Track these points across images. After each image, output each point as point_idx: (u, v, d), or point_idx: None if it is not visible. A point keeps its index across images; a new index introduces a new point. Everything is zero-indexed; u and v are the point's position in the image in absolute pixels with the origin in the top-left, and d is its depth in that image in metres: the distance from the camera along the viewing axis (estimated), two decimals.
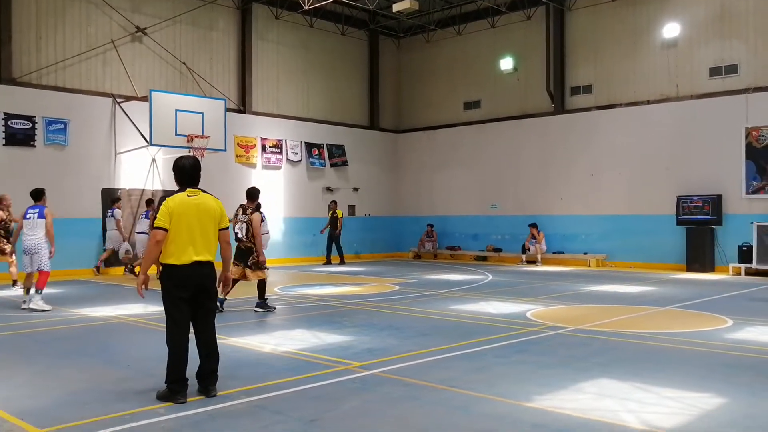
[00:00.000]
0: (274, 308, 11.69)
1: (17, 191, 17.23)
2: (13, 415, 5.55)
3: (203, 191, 6.34)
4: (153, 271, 16.17)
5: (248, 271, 11.33)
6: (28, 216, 11.85)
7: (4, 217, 14.03)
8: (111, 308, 11.83)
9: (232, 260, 6.65)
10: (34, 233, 11.72)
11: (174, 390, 5.96)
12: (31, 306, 11.56)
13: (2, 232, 14.00)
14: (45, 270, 11.68)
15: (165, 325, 6.20)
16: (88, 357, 7.87)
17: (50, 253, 11.79)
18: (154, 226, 6.13)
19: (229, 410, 5.68)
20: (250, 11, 22.69)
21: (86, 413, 5.58)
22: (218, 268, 6.32)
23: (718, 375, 6.88)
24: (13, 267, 14.60)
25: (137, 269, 16.54)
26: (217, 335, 6.39)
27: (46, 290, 11.89)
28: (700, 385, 6.46)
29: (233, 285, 10.73)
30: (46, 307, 11.57)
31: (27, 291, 11.87)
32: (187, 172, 6.34)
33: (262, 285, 11.56)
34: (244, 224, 11.40)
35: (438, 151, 26.00)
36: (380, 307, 12.00)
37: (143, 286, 6.21)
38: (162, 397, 5.99)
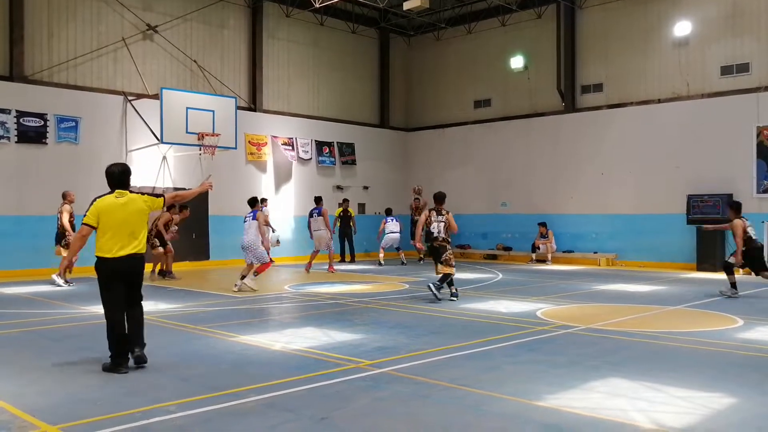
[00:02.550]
0: (440, 297, 12.36)
1: (29, 189, 17.42)
2: (25, 411, 5.58)
3: (132, 192, 7.23)
4: (149, 268, 16.33)
5: (439, 266, 12.61)
6: (245, 219, 14.44)
7: (71, 211, 15.01)
8: None
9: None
10: (247, 234, 14.13)
11: (117, 362, 6.90)
12: (246, 282, 13.90)
13: (63, 229, 14.82)
14: (263, 262, 14.16)
15: (103, 309, 7.16)
16: (99, 354, 7.88)
17: (263, 247, 14.28)
18: (82, 222, 7.03)
19: (239, 408, 5.69)
20: (260, 9, 22.74)
21: (98, 410, 5.61)
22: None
23: (728, 375, 6.85)
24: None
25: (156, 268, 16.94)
26: (143, 317, 7.33)
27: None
28: (711, 384, 6.43)
29: (445, 279, 12.49)
30: (255, 286, 13.99)
31: (242, 277, 14.10)
32: (115, 177, 7.21)
33: (446, 277, 12.54)
34: (441, 224, 12.73)
35: (448, 150, 25.98)
36: (390, 305, 12.01)
37: (66, 271, 7.39)
38: (107, 368, 6.90)
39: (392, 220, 21.98)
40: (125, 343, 7.02)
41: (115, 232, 6.95)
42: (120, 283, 7.02)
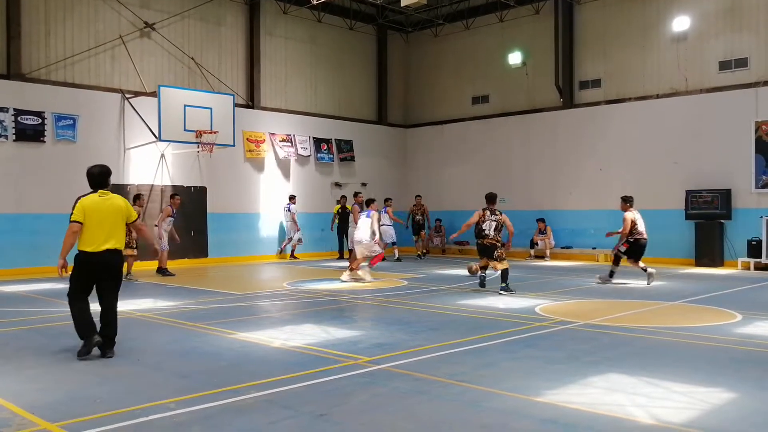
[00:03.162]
0: (514, 290, 12.98)
1: (27, 187, 17.41)
2: (25, 409, 5.59)
3: (112, 192, 7.78)
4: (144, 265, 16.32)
5: (494, 263, 13.31)
6: (360, 216, 15.97)
7: (140, 212, 15.35)
8: (120, 303, 11.79)
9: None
10: (361, 230, 15.54)
11: (88, 338, 7.43)
12: (360, 273, 15.16)
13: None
14: (376, 253, 15.61)
15: (68, 295, 7.67)
16: (97, 352, 7.90)
17: (376, 242, 15.52)
18: (71, 220, 7.48)
19: (239, 404, 5.70)
20: (258, 6, 22.70)
21: (97, 407, 5.61)
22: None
23: (727, 370, 6.86)
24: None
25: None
26: (117, 308, 7.80)
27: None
28: (710, 379, 6.44)
29: (484, 270, 13.62)
30: (369, 278, 15.11)
31: (351, 269, 15.42)
32: (95, 178, 7.75)
33: (505, 273, 13.18)
34: (494, 223, 13.34)
35: (446, 146, 25.98)
36: (389, 302, 12.01)
37: (63, 270, 7.58)
38: (81, 353, 7.40)
39: (384, 212, 21.42)
40: (93, 327, 7.53)
41: (96, 229, 7.51)
42: (94, 275, 7.58)
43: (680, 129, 19.99)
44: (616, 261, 14.99)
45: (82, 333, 7.49)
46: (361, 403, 5.77)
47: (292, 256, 22.49)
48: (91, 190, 7.73)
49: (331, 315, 10.57)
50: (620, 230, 14.92)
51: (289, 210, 22.40)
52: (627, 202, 14.98)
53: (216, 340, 8.59)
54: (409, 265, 19.82)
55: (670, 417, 5.31)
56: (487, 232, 13.30)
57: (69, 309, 7.64)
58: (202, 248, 20.97)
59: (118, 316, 7.81)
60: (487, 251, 13.38)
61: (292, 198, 22.55)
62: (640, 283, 14.58)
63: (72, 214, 7.51)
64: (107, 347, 7.55)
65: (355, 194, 18.36)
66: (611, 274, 14.80)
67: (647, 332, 8.91)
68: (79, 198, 7.73)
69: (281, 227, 22.94)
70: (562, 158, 22.64)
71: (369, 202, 16.21)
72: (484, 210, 13.45)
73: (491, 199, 13.68)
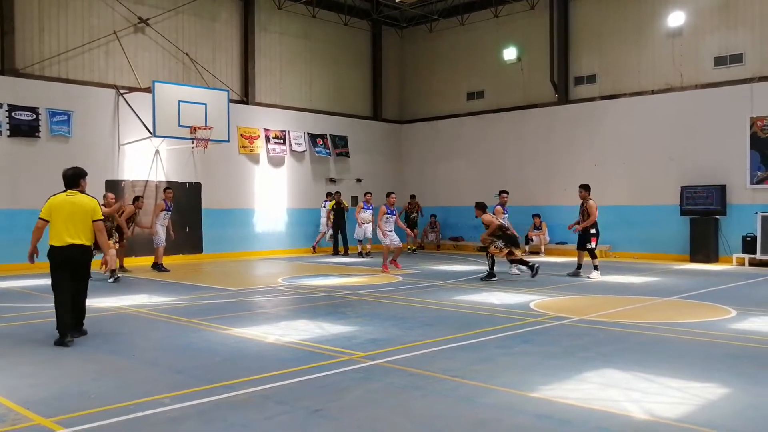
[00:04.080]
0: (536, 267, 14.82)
1: (22, 182, 17.36)
2: (19, 404, 5.58)
3: (82, 192, 8.51)
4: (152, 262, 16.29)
5: (514, 249, 14.98)
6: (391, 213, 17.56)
7: (135, 212, 16.66)
8: (115, 299, 11.87)
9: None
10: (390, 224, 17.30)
11: (62, 335, 7.99)
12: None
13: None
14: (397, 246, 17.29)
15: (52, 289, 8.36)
16: (92, 347, 7.89)
17: (383, 235, 16.99)
18: (39, 217, 8.32)
19: (233, 400, 5.70)
20: (252, 2, 22.64)
21: (91, 403, 5.60)
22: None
23: (722, 365, 6.88)
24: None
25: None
26: (87, 298, 8.63)
27: None
28: (704, 375, 6.46)
29: (511, 259, 15.22)
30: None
31: (393, 260, 17.34)
32: (68, 178, 8.54)
33: (521, 259, 15.26)
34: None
35: (441, 142, 25.98)
36: (384, 297, 12.02)
37: (35, 256, 8.41)
38: (57, 342, 7.97)
39: (367, 208, 21.67)
40: (68, 326, 8.12)
41: (61, 225, 8.18)
42: (66, 269, 8.23)
43: (675, 125, 20.00)
44: (592, 254, 15.54)
45: (59, 329, 8.10)
46: (355, 399, 5.77)
47: (314, 249, 23.23)
48: (63, 190, 8.45)
49: (326, 311, 10.56)
50: (587, 220, 15.41)
51: (324, 207, 23.06)
52: (587, 190, 15.88)
53: (211, 335, 8.58)
54: (403, 261, 19.81)
55: (665, 412, 5.32)
56: (507, 225, 15.80)
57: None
58: (196, 244, 20.93)
59: (90, 308, 8.66)
60: (509, 240, 14.96)
61: (328, 195, 23.27)
62: (632, 280, 14.62)
63: (41, 211, 8.34)
64: (75, 331, 8.26)
65: (388, 194, 18.17)
66: (580, 266, 15.65)
67: (642, 328, 8.92)
68: (49, 197, 8.48)
69: (286, 223, 22.97)
70: (557, 154, 22.65)
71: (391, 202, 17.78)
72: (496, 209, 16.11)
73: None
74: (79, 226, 8.24)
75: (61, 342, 7.96)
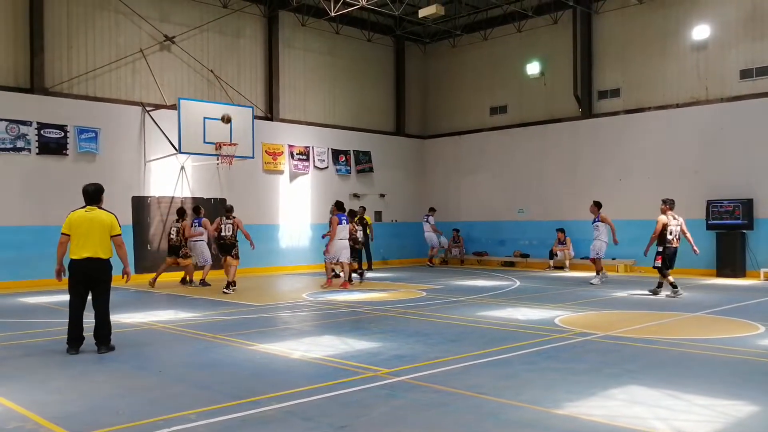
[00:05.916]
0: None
1: (51, 199, 17.59)
2: (49, 420, 5.65)
3: (100, 208, 8.75)
4: (163, 276, 16.38)
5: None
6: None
7: (186, 224, 17.20)
8: (142, 315, 11.99)
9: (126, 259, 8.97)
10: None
11: (70, 345, 8.51)
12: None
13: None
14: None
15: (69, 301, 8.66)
16: (120, 363, 7.98)
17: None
18: (61, 232, 8.59)
19: (259, 416, 5.73)
20: (276, 19, 22.87)
21: (119, 419, 5.67)
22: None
23: (750, 382, 6.80)
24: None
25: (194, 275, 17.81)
26: (109, 310, 8.79)
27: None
28: (732, 392, 6.39)
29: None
30: None
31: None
32: (89, 194, 8.79)
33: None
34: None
35: (464, 157, 25.98)
36: (408, 313, 12.02)
37: (62, 273, 8.66)
38: (67, 350, 8.46)
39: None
40: (77, 340, 8.57)
41: (80, 239, 8.52)
42: (82, 282, 8.58)
43: (701, 138, 19.85)
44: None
45: (68, 340, 8.56)
46: (381, 415, 5.78)
47: (430, 263, 24.01)
48: (83, 205, 8.76)
49: (350, 326, 10.59)
50: (651, 237, 14.74)
51: (427, 221, 24.12)
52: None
53: (236, 351, 8.64)
54: (426, 276, 19.80)
55: (692, 430, 5.28)
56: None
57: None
58: (220, 260, 21.01)
59: (114, 324, 8.72)
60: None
61: (431, 210, 24.50)
62: (659, 295, 14.51)
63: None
64: (102, 344, 8.58)
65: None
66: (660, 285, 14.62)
67: (669, 344, 8.85)
68: (70, 212, 8.73)
69: (310, 238, 23.03)
70: (580, 168, 22.56)
71: (197, 210, 17.65)
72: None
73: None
74: (97, 241, 8.54)
75: (68, 351, 8.50)
